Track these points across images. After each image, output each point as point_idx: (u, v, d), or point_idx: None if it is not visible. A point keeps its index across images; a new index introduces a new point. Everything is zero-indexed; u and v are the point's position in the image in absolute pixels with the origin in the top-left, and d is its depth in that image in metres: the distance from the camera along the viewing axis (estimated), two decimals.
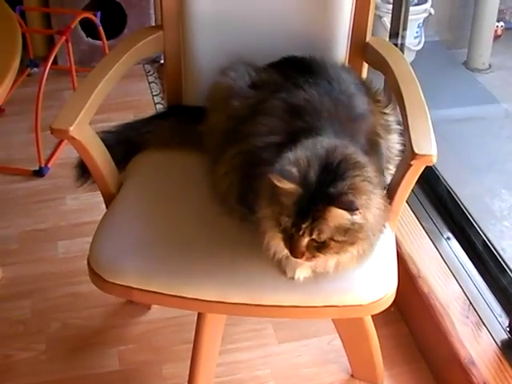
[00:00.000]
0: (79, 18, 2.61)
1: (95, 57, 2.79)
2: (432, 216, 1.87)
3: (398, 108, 1.35)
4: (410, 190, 1.28)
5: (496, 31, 2.93)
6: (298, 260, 1.15)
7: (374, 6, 1.51)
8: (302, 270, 1.23)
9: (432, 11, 2.90)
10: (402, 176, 1.23)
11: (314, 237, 1.11)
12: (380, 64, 1.47)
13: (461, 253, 1.76)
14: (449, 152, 1.97)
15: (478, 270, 1.70)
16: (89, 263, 1.29)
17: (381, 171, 1.25)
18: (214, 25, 1.52)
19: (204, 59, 1.54)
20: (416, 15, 2.78)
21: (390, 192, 1.27)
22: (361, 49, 1.53)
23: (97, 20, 2.68)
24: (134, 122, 1.58)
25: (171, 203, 1.38)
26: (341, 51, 1.53)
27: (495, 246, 1.71)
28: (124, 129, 1.54)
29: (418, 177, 1.25)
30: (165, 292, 1.24)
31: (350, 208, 1.07)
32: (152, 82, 2.93)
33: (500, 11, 2.96)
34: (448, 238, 1.81)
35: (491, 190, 2.09)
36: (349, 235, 1.11)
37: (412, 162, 1.20)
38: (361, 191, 1.10)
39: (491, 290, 1.64)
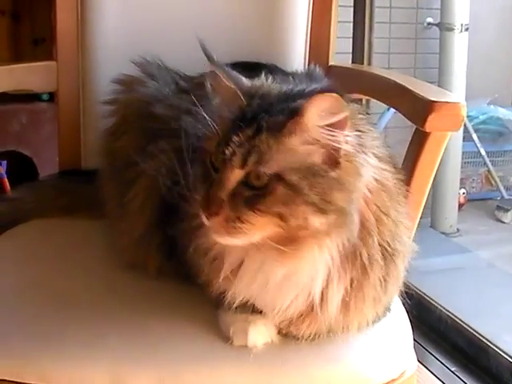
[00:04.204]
0: None
1: None
2: None
3: None
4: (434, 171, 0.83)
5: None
6: (212, 224, 0.68)
7: (335, 23, 1.15)
8: (260, 330, 0.74)
9: None
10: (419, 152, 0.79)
11: (248, 167, 0.66)
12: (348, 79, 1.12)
13: None
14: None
15: None
16: None
17: None
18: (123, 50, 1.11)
19: None
20: None
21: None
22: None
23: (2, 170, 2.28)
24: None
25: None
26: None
27: None
28: None
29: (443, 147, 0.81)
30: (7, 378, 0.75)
31: (337, 91, 0.64)
32: None
33: None
34: None
35: None
36: (315, 184, 0.66)
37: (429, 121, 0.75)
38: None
39: None
